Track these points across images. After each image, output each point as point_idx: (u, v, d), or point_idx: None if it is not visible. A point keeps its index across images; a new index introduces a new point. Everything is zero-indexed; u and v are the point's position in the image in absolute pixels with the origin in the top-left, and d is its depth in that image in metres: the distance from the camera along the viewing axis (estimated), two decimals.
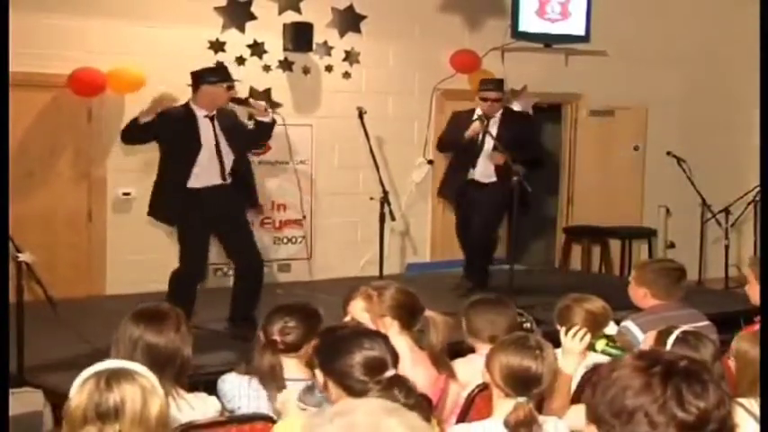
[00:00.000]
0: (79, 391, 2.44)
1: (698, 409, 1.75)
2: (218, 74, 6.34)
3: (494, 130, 7.62)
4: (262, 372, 3.37)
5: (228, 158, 6.15)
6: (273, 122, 6.39)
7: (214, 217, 6.14)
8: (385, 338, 2.87)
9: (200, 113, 6.10)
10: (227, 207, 6.17)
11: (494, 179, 7.64)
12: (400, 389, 2.67)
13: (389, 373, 2.72)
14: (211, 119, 6.12)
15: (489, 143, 7.59)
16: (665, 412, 1.75)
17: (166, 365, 3.10)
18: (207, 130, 6.10)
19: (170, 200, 6.12)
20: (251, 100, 6.49)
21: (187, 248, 6.19)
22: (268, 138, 6.76)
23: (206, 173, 6.09)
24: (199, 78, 6.14)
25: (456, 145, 7.74)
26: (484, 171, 7.67)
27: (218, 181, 6.13)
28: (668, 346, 3.43)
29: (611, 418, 1.79)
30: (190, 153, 6.05)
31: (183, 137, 6.05)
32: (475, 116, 7.65)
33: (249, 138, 6.44)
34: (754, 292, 4.77)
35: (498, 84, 7.84)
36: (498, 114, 7.73)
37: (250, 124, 6.46)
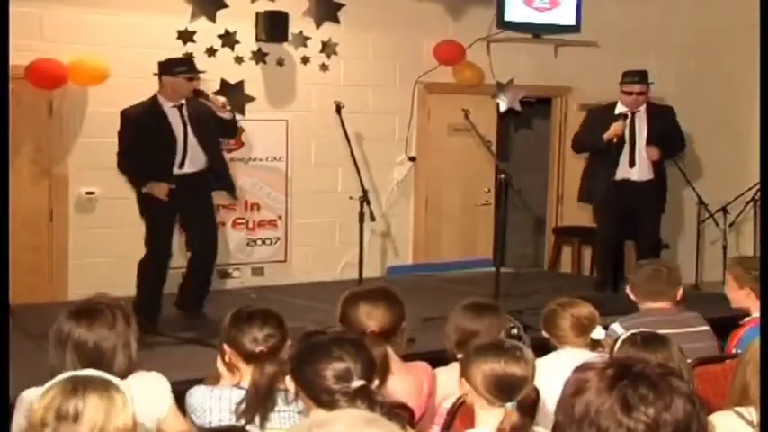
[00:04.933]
0: (44, 394, 2.46)
1: (647, 416, 1.74)
2: (179, 65, 6.65)
3: (642, 125, 7.75)
4: (259, 386, 3.29)
5: (193, 148, 6.54)
6: (232, 119, 6.77)
7: (180, 204, 6.54)
8: (358, 347, 2.87)
9: (166, 105, 6.47)
10: (192, 195, 6.54)
11: (650, 177, 7.77)
12: (363, 399, 2.68)
13: (356, 383, 2.73)
14: (179, 108, 6.49)
15: (642, 139, 7.72)
16: (611, 417, 1.74)
17: (98, 366, 3.06)
18: (176, 120, 6.49)
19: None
20: (210, 95, 6.68)
21: (153, 234, 6.62)
22: (230, 134, 7.08)
23: (184, 160, 6.52)
24: (162, 69, 6.58)
25: (596, 147, 7.77)
26: (641, 169, 7.76)
27: (180, 170, 6.52)
28: (616, 349, 3.51)
29: (567, 427, 1.78)
30: (166, 146, 6.45)
31: (155, 133, 6.44)
32: (617, 111, 7.72)
33: (216, 127, 6.72)
34: (734, 296, 4.83)
35: (643, 75, 7.84)
36: (643, 108, 7.79)
37: (227, 116, 6.70)
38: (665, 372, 1.80)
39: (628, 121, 7.74)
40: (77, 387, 2.45)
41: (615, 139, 7.69)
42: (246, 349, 3.35)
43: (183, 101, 6.52)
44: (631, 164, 7.77)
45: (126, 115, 6.52)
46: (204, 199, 6.73)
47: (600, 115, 7.95)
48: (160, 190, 6.43)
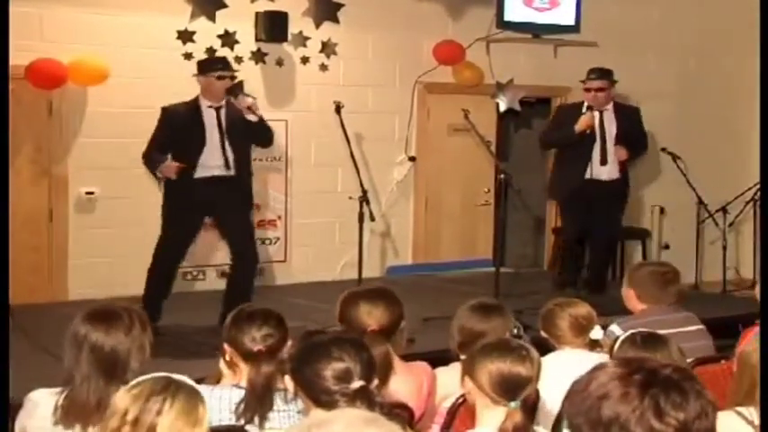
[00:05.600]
0: (134, 386, 2.54)
1: (677, 421, 1.76)
2: (210, 64, 6.70)
3: (610, 123, 7.78)
4: (256, 386, 3.30)
5: (231, 149, 6.47)
6: (261, 124, 6.55)
7: (211, 206, 6.50)
8: (358, 347, 2.87)
9: (204, 105, 6.46)
10: (227, 198, 6.47)
11: (617, 176, 7.82)
12: (362, 400, 2.68)
13: (356, 384, 2.74)
14: (217, 109, 6.46)
15: (612, 137, 7.76)
16: (643, 424, 1.75)
17: (114, 370, 3.08)
18: (210, 121, 6.45)
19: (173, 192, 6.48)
20: (240, 95, 6.56)
21: (167, 233, 6.52)
22: (261, 140, 6.75)
23: (209, 163, 6.42)
24: (197, 69, 6.64)
25: (565, 142, 7.79)
26: (611, 168, 7.80)
27: (221, 172, 6.44)
28: (615, 349, 3.52)
29: (589, 430, 1.78)
30: (194, 145, 6.39)
31: (188, 130, 6.42)
32: (584, 109, 7.77)
33: (247, 134, 6.56)
34: None
35: (603, 72, 7.87)
36: (611, 107, 7.83)
37: (253, 118, 6.54)
38: (686, 376, 1.83)
39: (597, 118, 7.77)
40: (168, 387, 2.51)
41: (588, 131, 7.72)
42: (245, 348, 3.36)
43: (223, 102, 6.46)
44: (603, 162, 7.80)
45: (164, 110, 6.53)
46: (237, 204, 6.59)
47: (568, 112, 8.03)
48: (169, 169, 6.32)
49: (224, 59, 6.92)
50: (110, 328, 3.16)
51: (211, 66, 6.62)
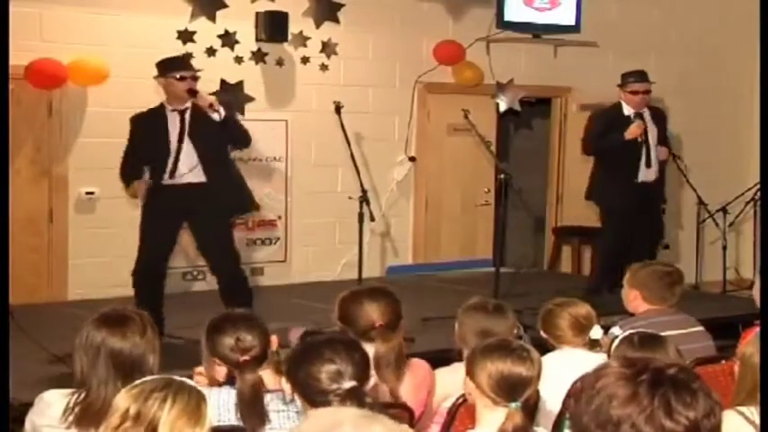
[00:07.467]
0: (135, 386, 2.53)
1: (687, 420, 1.77)
2: (169, 65, 6.29)
3: (651, 125, 7.77)
4: (244, 397, 3.23)
5: (189, 155, 6.11)
6: (228, 120, 6.17)
7: (185, 212, 6.21)
8: (351, 348, 2.87)
9: (168, 109, 6.15)
10: (199, 207, 6.16)
11: (657, 176, 7.85)
12: (353, 401, 2.69)
13: (347, 384, 2.74)
14: (182, 113, 6.14)
15: (653, 139, 7.75)
16: (653, 423, 1.76)
17: (132, 373, 3.09)
18: (174, 126, 6.14)
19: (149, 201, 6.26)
20: (200, 94, 6.12)
21: (143, 241, 6.31)
22: (235, 138, 6.39)
23: (178, 170, 6.12)
24: (157, 71, 6.26)
25: (615, 146, 7.68)
26: (653, 170, 7.80)
27: (192, 178, 6.11)
28: (613, 349, 3.52)
29: (596, 429, 1.79)
30: (160, 151, 6.11)
31: (153, 138, 6.13)
32: (627, 112, 7.72)
33: (220, 135, 6.20)
34: None
35: (643, 74, 7.82)
36: (645, 108, 7.83)
37: (216, 117, 6.11)
38: (692, 375, 1.85)
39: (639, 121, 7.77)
40: (170, 386, 2.52)
41: (639, 138, 7.67)
42: (231, 359, 3.31)
43: (189, 105, 6.10)
44: (648, 164, 7.76)
45: (131, 120, 6.26)
46: (211, 213, 6.20)
47: (610, 116, 7.83)
48: (134, 190, 6.17)
49: (184, 58, 6.68)
50: (126, 331, 3.17)
51: (170, 66, 6.23)
